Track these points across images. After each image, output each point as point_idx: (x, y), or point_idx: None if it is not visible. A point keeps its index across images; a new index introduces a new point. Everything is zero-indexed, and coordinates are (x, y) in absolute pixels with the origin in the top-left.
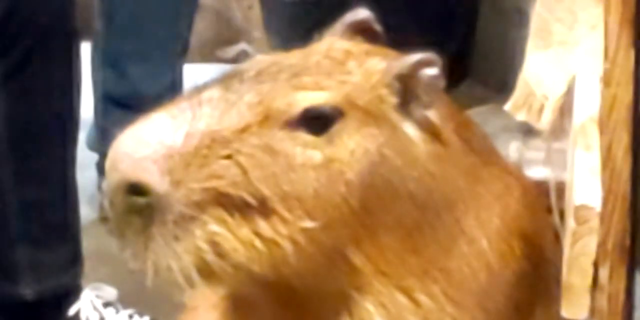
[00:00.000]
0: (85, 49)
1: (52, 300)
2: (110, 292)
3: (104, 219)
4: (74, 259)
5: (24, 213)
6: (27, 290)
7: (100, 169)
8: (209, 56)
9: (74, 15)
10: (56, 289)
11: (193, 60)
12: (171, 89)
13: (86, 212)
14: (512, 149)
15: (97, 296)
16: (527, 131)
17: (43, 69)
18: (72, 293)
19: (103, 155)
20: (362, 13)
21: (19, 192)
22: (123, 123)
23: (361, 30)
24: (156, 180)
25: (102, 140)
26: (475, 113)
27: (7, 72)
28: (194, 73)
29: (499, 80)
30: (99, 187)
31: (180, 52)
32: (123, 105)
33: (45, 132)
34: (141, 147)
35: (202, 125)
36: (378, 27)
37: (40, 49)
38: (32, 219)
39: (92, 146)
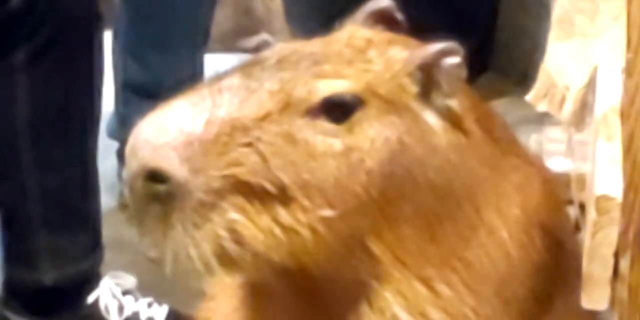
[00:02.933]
0: (107, 37)
1: (71, 287)
2: (130, 280)
3: (123, 206)
4: (94, 246)
5: (44, 199)
6: (46, 277)
7: (121, 157)
8: (230, 46)
9: (97, 3)
10: (75, 276)
11: (214, 50)
12: (192, 78)
13: (106, 200)
14: (532, 141)
15: (117, 284)
16: (548, 123)
17: (65, 55)
18: (91, 280)
19: (123, 144)
20: (383, 2)
21: (40, 178)
22: (143, 111)
23: (382, 19)
24: (175, 167)
25: (123, 129)
26: (496, 105)
27: (29, 59)
28: (215, 63)
29: (519, 73)
30: (119, 176)
31: (202, 42)
32: (143, 93)
33: (66, 118)
34: (161, 134)
35: (222, 113)
36: (399, 16)
37: (63, 35)
38: (53, 205)
39: (112, 134)
